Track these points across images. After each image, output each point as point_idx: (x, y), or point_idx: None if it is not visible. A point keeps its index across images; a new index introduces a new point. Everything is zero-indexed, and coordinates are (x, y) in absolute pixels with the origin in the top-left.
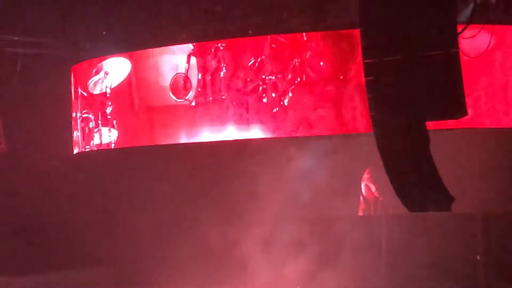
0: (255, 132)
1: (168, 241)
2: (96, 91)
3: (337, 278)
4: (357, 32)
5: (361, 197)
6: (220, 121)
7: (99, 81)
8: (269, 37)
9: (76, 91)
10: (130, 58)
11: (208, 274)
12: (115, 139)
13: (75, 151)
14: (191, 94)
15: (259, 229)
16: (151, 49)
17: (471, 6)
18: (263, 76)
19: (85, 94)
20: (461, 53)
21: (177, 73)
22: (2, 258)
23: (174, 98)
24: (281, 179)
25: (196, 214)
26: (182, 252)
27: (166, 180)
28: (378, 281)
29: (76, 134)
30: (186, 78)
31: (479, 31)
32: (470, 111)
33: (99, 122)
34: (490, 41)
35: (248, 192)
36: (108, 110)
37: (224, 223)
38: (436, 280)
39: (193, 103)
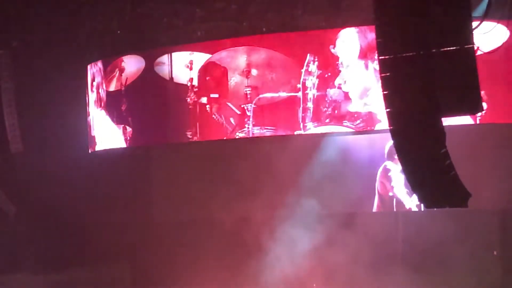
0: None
1: (185, 238)
2: (111, 88)
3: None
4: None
5: (376, 194)
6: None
7: (114, 79)
8: None
9: (92, 89)
10: (145, 56)
11: (227, 272)
12: (130, 136)
13: (91, 150)
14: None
15: (280, 226)
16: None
17: (486, 1)
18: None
19: (101, 92)
20: (476, 49)
21: None
22: (20, 256)
23: None
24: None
25: (213, 211)
26: (201, 249)
27: (182, 177)
28: (394, 273)
29: (92, 133)
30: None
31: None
32: (486, 106)
33: (115, 119)
34: (505, 36)
35: (268, 188)
36: (123, 108)
37: (243, 219)
38: (453, 275)
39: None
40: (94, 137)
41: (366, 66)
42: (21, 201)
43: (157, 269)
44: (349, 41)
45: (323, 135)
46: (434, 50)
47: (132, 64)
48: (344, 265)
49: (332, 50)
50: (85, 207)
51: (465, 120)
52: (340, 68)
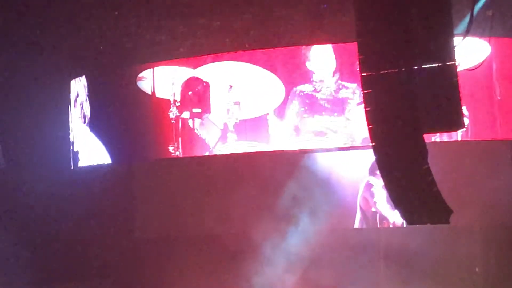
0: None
1: (169, 254)
2: (95, 104)
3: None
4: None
5: (359, 209)
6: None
7: (97, 94)
8: None
9: (75, 105)
10: (127, 71)
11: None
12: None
13: (74, 166)
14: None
15: (263, 242)
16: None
17: (467, 18)
18: None
19: (85, 107)
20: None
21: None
22: (2, 272)
23: None
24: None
25: (199, 225)
26: (185, 265)
27: (165, 192)
28: None
29: (75, 149)
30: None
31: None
32: (467, 123)
33: (98, 135)
34: (487, 53)
35: (250, 203)
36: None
37: (227, 233)
38: None
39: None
40: (77, 153)
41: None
42: (2, 218)
43: (141, 285)
44: (325, 57)
45: (306, 150)
46: (416, 67)
47: (115, 79)
48: (326, 281)
49: (308, 65)
50: (68, 223)
51: (447, 136)
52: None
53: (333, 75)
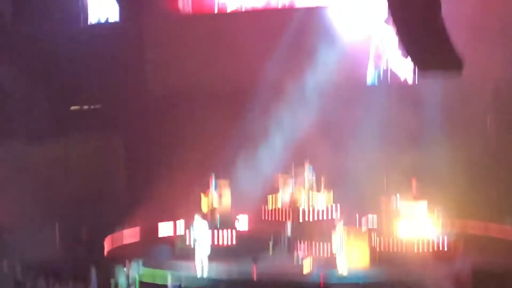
0: None
1: (182, 109)
2: None
3: None
4: None
5: (371, 65)
6: None
7: None
8: None
9: None
10: None
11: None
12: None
13: (84, 23)
14: None
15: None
16: None
17: None
18: None
19: None
20: None
21: None
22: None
23: None
24: None
25: (208, 80)
26: (198, 119)
27: (175, 48)
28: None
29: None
30: None
31: None
32: None
33: None
34: None
35: (265, 57)
36: None
37: (236, 87)
38: (452, 139)
39: None
40: (87, 8)
41: None
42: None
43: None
44: None
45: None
46: None
47: None
48: (340, 134)
49: None
50: (76, 79)
51: None
52: None
53: None
